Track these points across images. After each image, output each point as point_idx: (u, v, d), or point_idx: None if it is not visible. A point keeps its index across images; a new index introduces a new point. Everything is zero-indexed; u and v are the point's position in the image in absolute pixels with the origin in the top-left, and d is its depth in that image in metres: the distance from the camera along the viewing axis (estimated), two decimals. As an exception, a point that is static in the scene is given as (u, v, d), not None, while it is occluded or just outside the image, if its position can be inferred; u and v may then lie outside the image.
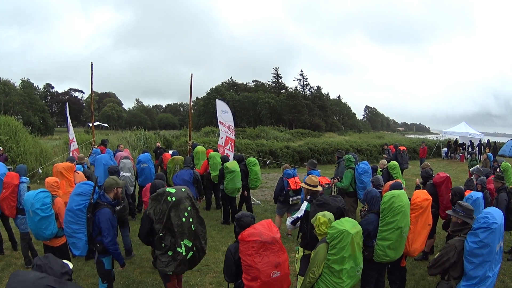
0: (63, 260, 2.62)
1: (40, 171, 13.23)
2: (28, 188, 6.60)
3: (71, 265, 2.65)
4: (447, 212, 4.64)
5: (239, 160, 9.71)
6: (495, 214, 3.96)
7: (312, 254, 4.13)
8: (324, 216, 4.13)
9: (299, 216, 5.23)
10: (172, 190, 4.40)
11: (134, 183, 9.26)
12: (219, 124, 12.74)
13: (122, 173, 8.26)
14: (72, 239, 4.55)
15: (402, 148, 16.50)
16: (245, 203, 9.74)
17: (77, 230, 4.51)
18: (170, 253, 4.29)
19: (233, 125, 12.41)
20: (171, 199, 4.29)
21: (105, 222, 4.49)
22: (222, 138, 12.59)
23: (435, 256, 4.12)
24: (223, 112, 12.51)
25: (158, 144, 14.92)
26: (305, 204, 5.25)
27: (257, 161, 9.71)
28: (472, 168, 10.36)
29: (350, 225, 3.95)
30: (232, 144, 12.35)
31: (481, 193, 6.03)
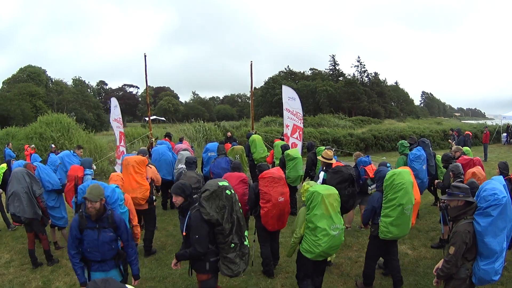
0: (126, 285, 2.08)
1: (94, 167, 13.47)
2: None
3: None
4: (441, 197, 4.65)
5: (310, 148, 9.12)
6: (500, 187, 3.71)
7: None
8: (308, 184, 4.72)
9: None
10: (226, 183, 3.96)
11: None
12: (284, 112, 11.75)
13: (180, 165, 7.77)
14: None
15: (467, 133, 16.92)
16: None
17: None
18: (238, 251, 3.90)
19: (301, 113, 11.41)
20: (230, 192, 3.91)
21: (70, 229, 3.84)
22: (288, 126, 11.60)
23: (451, 254, 3.65)
24: (290, 99, 11.59)
25: (229, 134, 14.77)
26: (322, 173, 5.96)
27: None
28: None
29: (322, 188, 4.43)
30: (300, 132, 11.38)
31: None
